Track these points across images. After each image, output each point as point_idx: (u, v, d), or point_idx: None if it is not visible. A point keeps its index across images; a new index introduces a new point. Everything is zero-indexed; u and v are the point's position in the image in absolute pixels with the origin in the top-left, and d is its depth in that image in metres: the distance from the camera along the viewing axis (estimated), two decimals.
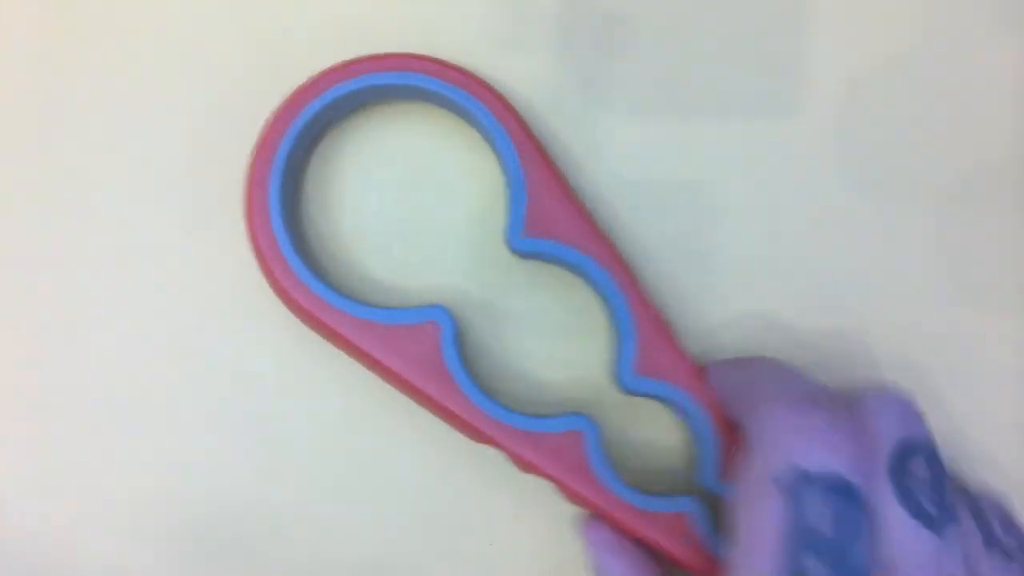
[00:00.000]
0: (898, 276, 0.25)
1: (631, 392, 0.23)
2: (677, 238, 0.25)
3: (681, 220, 0.25)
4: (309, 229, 0.25)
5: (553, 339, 0.25)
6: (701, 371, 0.23)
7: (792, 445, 0.19)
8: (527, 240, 0.23)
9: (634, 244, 0.25)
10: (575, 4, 0.25)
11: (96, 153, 0.25)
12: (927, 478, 0.19)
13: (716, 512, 0.22)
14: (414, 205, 0.25)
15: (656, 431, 0.25)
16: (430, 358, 0.22)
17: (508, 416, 0.22)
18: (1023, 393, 0.25)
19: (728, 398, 0.22)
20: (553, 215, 0.23)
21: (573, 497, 0.23)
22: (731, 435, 0.23)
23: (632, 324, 0.23)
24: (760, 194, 0.25)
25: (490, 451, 0.23)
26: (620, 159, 0.25)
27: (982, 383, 0.25)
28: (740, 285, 0.25)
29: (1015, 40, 0.25)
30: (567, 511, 0.24)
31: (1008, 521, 0.21)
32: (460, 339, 0.23)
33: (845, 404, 0.20)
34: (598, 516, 0.23)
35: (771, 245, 0.25)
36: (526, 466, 0.23)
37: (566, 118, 0.25)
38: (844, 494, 0.18)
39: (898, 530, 0.18)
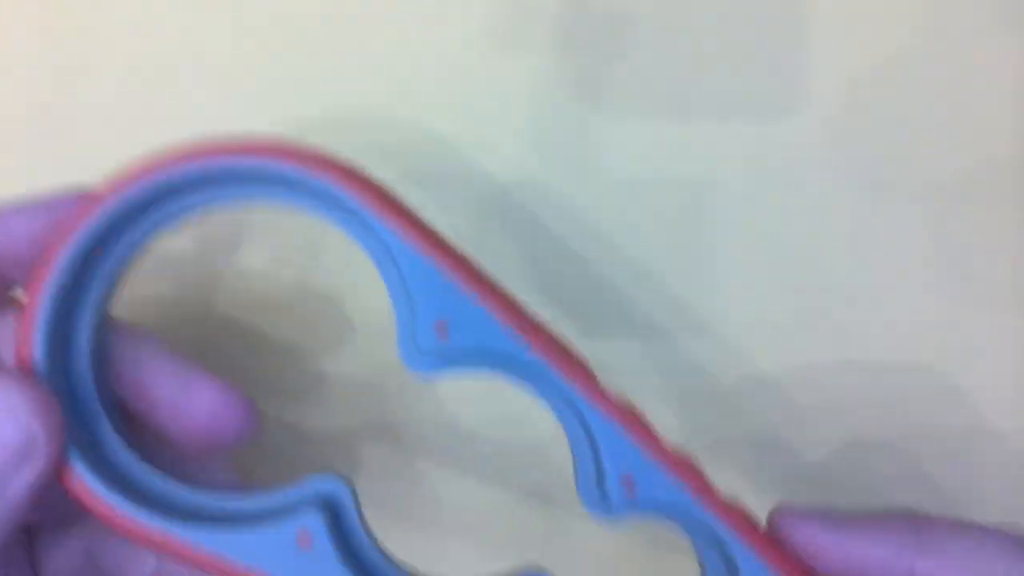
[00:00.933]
0: (898, 276, 0.25)
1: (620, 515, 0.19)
2: (677, 238, 0.25)
3: (681, 220, 0.25)
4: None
5: None
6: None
7: None
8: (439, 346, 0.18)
9: (634, 244, 0.25)
10: (575, 4, 0.25)
11: None
12: None
13: None
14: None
15: None
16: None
17: None
18: (1023, 393, 0.25)
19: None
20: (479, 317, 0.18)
21: None
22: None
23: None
24: (760, 194, 0.25)
25: None
26: (620, 159, 0.25)
27: (982, 383, 0.25)
28: (740, 285, 0.25)
29: (1015, 40, 0.25)
30: None
31: None
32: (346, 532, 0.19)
33: None
34: None
35: (771, 245, 0.25)
36: None
37: (566, 118, 0.25)
38: None
39: None
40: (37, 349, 0.18)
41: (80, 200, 0.18)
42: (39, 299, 0.18)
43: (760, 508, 0.20)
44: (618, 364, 0.25)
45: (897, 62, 0.25)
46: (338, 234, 0.19)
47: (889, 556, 0.18)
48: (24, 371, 0.18)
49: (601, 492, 0.19)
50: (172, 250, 0.24)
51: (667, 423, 0.25)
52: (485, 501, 0.25)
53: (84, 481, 0.17)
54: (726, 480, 0.20)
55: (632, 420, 0.19)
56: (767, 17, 0.25)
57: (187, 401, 0.19)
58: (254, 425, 0.20)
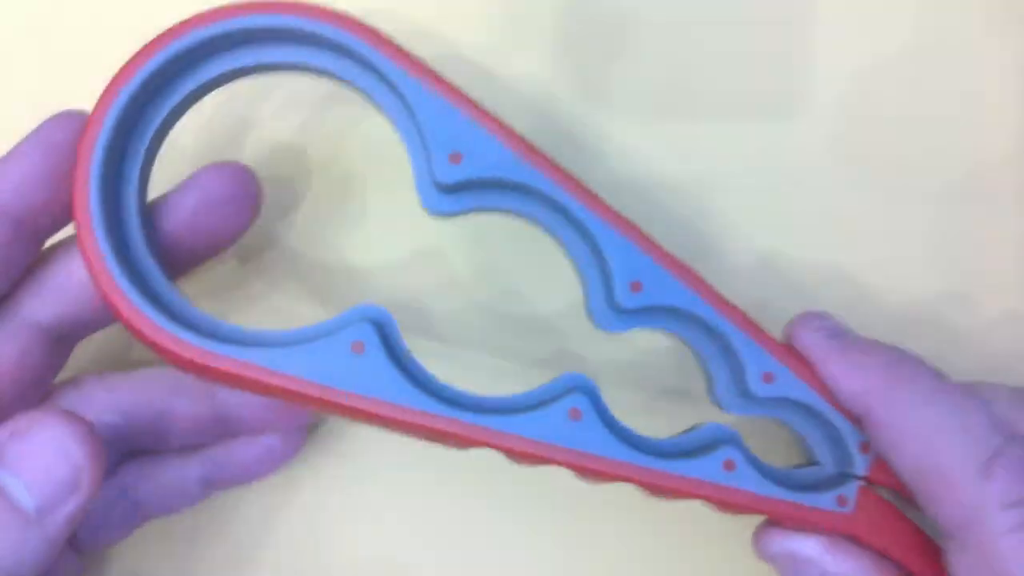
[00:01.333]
0: (898, 276, 0.25)
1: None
2: (677, 238, 0.25)
3: (681, 220, 0.25)
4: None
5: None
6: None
7: None
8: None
9: None
10: (575, 4, 0.25)
11: None
12: None
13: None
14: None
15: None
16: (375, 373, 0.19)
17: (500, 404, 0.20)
18: None
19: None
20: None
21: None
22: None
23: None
24: (760, 194, 0.25)
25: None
26: (620, 159, 0.25)
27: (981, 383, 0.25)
28: (740, 285, 0.25)
29: (1015, 40, 0.25)
30: None
31: None
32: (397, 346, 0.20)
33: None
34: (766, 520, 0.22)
35: (771, 245, 0.25)
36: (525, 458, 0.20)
37: (566, 118, 0.25)
38: None
39: None
40: (93, 201, 0.18)
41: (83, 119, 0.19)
42: (89, 154, 0.18)
43: None
44: (618, 364, 0.25)
45: (897, 62, 0.25)
46: None
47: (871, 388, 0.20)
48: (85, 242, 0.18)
49: (610, 304, 0.21)
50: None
51: (666, 422, 0.25)
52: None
53: (150, 319, 0.18)
54: None
55: (635, 230, 0.20)
56: (767, 18, 0.25)
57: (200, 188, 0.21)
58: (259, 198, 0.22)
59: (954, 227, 0.25)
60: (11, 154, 0.19)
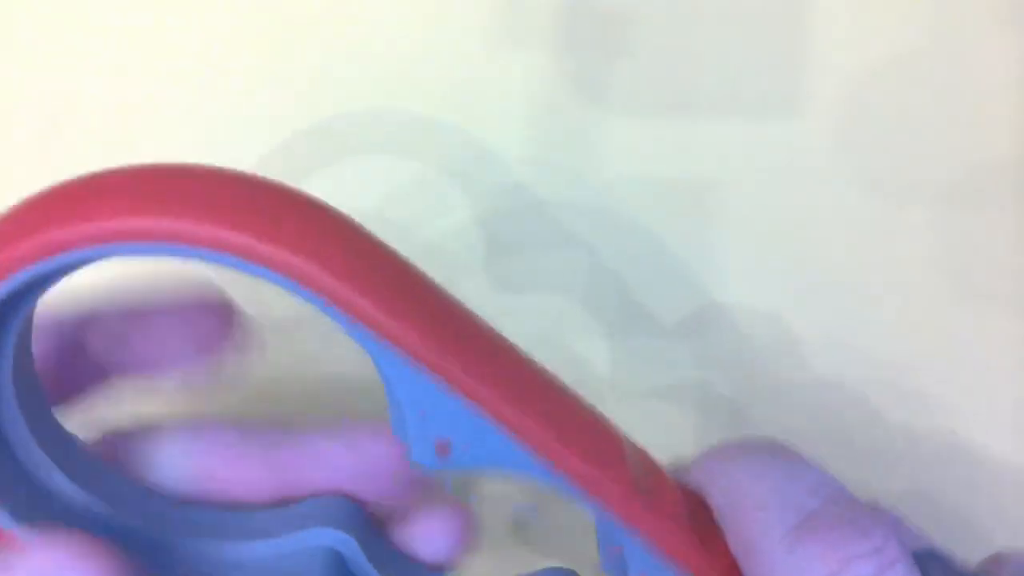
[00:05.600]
0: (898, 276, 0.25)
1: None
2: (677, 238, 0.25)
3: (681, 220, 0.25)
4: None
5: None
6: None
7: None
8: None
9: (634, 244, 0.25)
10: (575, 4, 0.25)
11: None
12: None
13: None
14: None
15: None
16: None
17: None
18: (1023, 393, 0.25)
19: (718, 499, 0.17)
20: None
21: None
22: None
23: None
24: (760, 194, 0.25)
25: None
26: (620, 159, 0.25)
27: (982, 383, 0.25)
28: (739, 285, 0.25)
29: (1015, 40, 0.25)
30: None
31: None
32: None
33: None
34: None
35: (771, 245, 0.25)
36: None
37: (566, 118, 0.25)
38: None
39: None
40: None
41: None
42: None
43: None
44: (618, 362, 0.25)
45: (897, 62, 0.25)
46: None
47: None
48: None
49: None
50: None
51: (667, 422, 0.25)
52: None
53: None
54: None
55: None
56: (767, 17, 0.25)
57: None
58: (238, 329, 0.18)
59: (954, 227, 0.25)
60: None
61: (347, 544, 0.17)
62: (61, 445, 0.17)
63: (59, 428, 0.17)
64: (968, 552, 0.26)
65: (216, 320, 0.18)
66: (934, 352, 0.25)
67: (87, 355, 0.17)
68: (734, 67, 0.25)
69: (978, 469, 0.25)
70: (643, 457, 0.17)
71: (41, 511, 0.16)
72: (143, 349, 0.17)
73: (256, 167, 0.24)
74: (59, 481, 0.16)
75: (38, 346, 0.17)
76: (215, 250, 0.13)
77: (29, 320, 0.16)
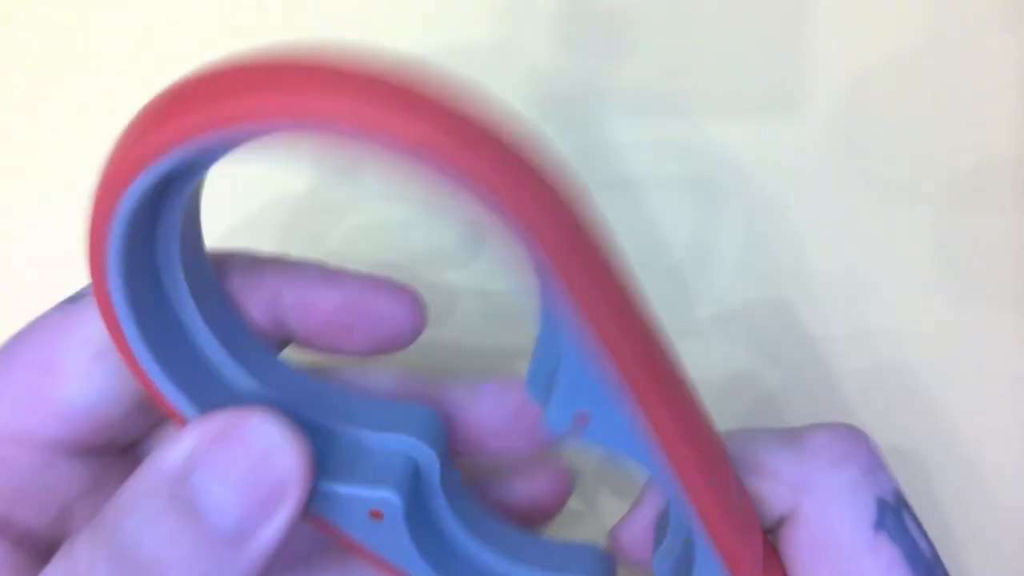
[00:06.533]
0: (898, 276, 0.25)
1: None
2: (677, 238, 0.25)
3: (681, 220, 0.25)
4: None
5: None
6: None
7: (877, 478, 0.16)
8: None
9: (634, 244, 0.25)
10: (575, 4, 0.25)
11: None
12: None
13: None
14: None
15: None
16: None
17: None
18: (1023, 393, 0.25)
19: None
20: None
21: None
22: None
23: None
24: (760, 194, 0.25)
25: None
26: (620, 159, 0.25)
27: (982, 383, 0.25)
28: (739, 285, 0.25)
29: (1015, 40, 0.25)
30: None
31: None
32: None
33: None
34: None
35: (771, 245, 0.25)
36: None
37: (566, 118, 0.25)
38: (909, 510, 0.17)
39: None
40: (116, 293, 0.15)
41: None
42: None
43: None
44: None
45: (897, 62, 0.25)
46: None
47: None
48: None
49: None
50: None
51: None
52: None
53: (136, 354, 0.15)
54: None
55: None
56: (768, 17, 0.25)
57: (364, 309, 0.18)
58: (423, 322, 0.18)
59: (954, 227, 0.25)
60: None
61: (430, 461, 0.17)
62: (233, 332, 0.17)
63: (232, 315, 0.17)
64: (968, 552, 0.26)
65: (408, 314, 0.18)
66: (934, 352, 0.25)
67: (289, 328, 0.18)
68: (734, 67, 0.25)
69: (978, 470, 0.25)
70: (734, 474, 0.17)
71: (217, 399, 0.16)
72: (344, 335, 0.18)
73: (247, 160, 0.24)
74: (232, 369, 0.17)
75: (252, 296, 0.17)
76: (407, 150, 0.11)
77: (196, 198, 0.16)
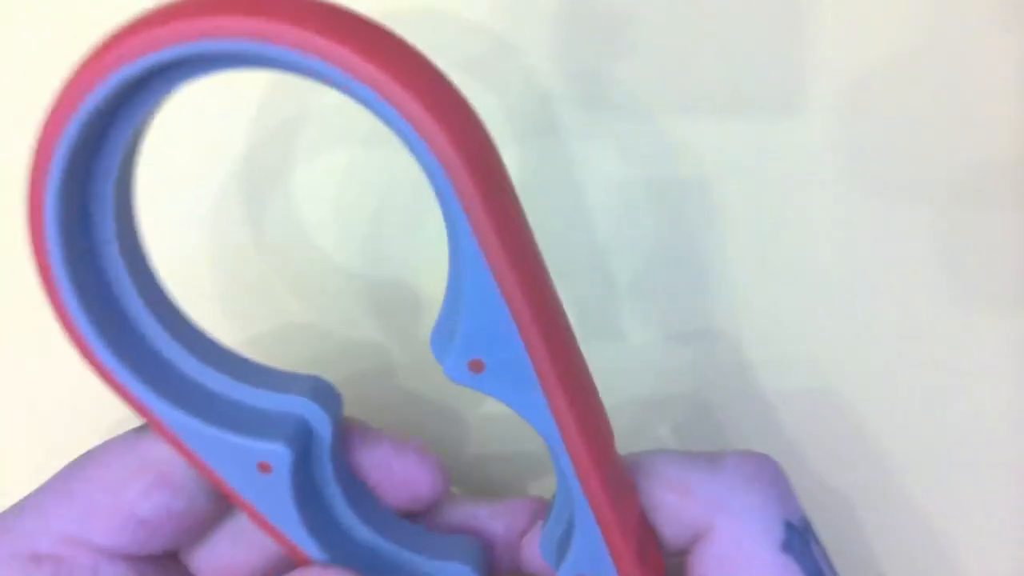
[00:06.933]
0: (898, 276, 0.25)
1: None
2: (676, 238, 0.25)
3: (680, 220, 0.25)
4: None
5: None
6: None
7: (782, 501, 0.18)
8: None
9: (633, 244, 0.25)
10: (575, 4, 0.25)
11: None
12: None
13: None
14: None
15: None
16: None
17: None
18: (1023, 393, 0.25)
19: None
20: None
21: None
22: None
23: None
24: (760, 194, 0.25)
25: None
26: (620, 159, 0.25)
27: (982, 383, 0.25)
28: (739, 285, 0.25)
29: (1015, 40, 0.25)
30: None
31: None
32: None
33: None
34: None
35: (771, 245, 0.25)
36: None
37: (566, 118, 0.25)
38: (813, 534, 0.18)
39: None
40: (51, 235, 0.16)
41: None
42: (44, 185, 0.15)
43: None
44: (616, 365, 0.25)
45: (897, 62, 0.25)
46: None
47: None
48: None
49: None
50: None
51: (664, 425, 0.25)
52: None
53: (80, 330, 0.16)
54: None
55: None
56: (767, 17, 0.25)
57: (390, 473, 0.20)
58: (447, 484, 0.20)
59: (954, 227, 0.25)
60: None
61: (322, 425, 0.18)
62: (165, 304, 0.18)
63: (159, 289, 0.18)
64: (969, 551, 0.26)
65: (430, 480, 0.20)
66: (934, 352, 0.25)
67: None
68: (734, 67, 0.25)
69: (978, 468, 0.25)
70: (620, 457, 0.18)
71: (172, 385, 0.17)
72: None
73: (246, 155, 0.24)
74: (176, 352, 0.18)
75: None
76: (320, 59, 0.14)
77: (137, 137, 0.17)
